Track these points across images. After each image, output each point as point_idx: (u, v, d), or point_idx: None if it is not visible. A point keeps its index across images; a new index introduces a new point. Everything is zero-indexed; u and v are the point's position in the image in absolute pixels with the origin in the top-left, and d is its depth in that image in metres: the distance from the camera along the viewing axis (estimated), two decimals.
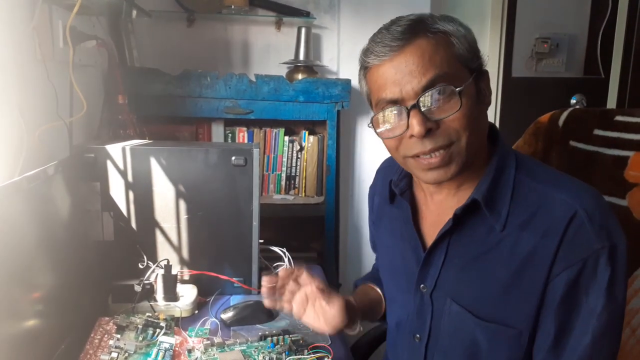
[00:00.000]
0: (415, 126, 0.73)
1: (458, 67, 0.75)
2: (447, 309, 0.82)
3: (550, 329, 0.75)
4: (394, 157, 0.84)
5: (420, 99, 0.73)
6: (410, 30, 0.74)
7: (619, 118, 1.12)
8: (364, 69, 0.81)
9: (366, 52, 0.78)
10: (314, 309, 0.89)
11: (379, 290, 1.07)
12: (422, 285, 0.86)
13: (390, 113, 0.77)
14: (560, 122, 1.21)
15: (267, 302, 0.90)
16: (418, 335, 0.87)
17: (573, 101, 2.44)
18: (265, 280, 0.88)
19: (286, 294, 0.90)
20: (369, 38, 0.79)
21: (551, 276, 0.74)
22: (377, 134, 0.80)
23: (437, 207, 0.86)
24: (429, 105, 0.73)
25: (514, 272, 0.76)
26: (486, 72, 0.81)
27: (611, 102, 2.37)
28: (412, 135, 0.75)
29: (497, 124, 2.41)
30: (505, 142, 0.85)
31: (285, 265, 1.37)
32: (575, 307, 0.73)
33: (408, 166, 0.81)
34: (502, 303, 0.77)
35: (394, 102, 0.76)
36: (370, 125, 0.81)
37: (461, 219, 0.80)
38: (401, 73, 0.74)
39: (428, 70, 0.73)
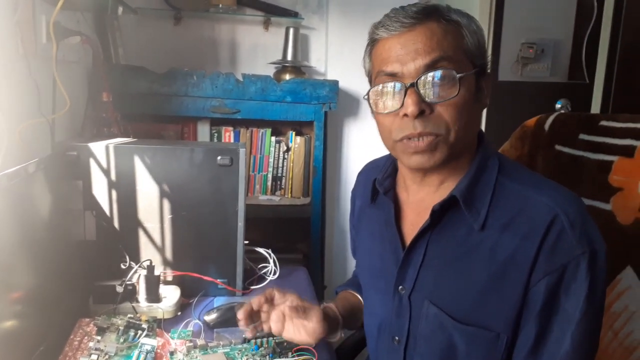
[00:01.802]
0: (410, 105, 0.73)
1: (463, 58, 0.76)
2: (425, 311, 0.81)
3: (530, 334, 0.75)
4: (385, 143, 0.83)
5: (420, 79, 0.74)
6: (424, 12, 0.75)
7: (603, 123, 1.13)
8: (372, 42, 0.81)
9: (377, 25, 0.79)
10: (292, 323, 0.90)
11: (359, 297, 1.07)
12: (400, 287, 0.85)
13: (388, 87, 0.77)
14: (546, 126, 1.21)
15: (248, 334, 0.91)
16: (397, 338, 0.86)
17: (558, 106, 2.46)
18: (240, 314, 0.89)
19: (262, 316, 0.92)
20: (384, 14, 0.79)
21: (532, 281, 0.74)
22: (371, 107, 0.81)
23: (418, 205, 0.86)
24: (427, 87, 0.74)
25: (494, 274, 0.75)
26: (489, 74, 0.81)
27: (595, 107, 2.40)
28: (404, 115, 0.75)
29: (483, 127, 2.43)
30: (491, 145, 0.85)
31: (270, 267, 1.36)
32: (555, 313, 0.74)
33: (396, 151, 0.81)
34: (481, 306, 0.77)
35: (393, 76, 0.76)
36: (366, 97, 0.81)
37: (440, 217, 0.80)
38: (406, 50, 0.75)
39: (433, 50, 0.74)
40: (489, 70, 0.82)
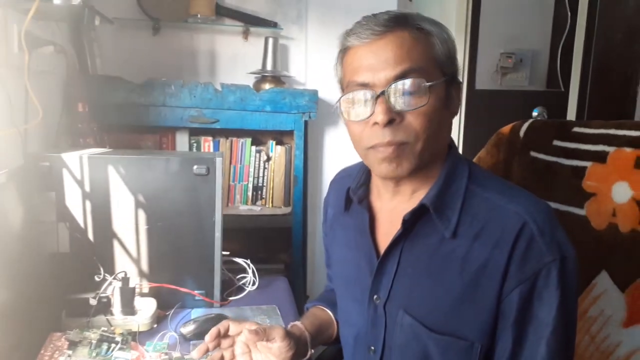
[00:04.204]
0: (379, 114, 0.73)
1: (433, 67, 0.76)
2: (399, 320, 0.81)
3: (506, 344, 0.75)
4: (357, 151, 0.83)
5: (390, 87, 0.74)
6: (395, 21, 0.75)
7: (576, 129, 1.14)
8: (343, 50, 0.81)
9: (348, 33, 0.78)
10: (259, 352, 0.87)
11: (329, 312, 1.05)
12: (375, 296, 0.84)
13: (359, 96, 0.77)
14: (521, 133, 1.23)
15: None
16: (373, 348, 0.86)
17: (535, 114, 2.50)
18: (197, 353, 0.84)
19: (226, 355, 0.86)
20: (355, 22, 0.79)
21: (505, 291, 0.74)
22: (342, 116, 0.81)
23: (390, 214, 0.85)
24: (397, 95, 0.74)
25: (466, 284, 0.75)
26: (459, 82, 0.82)
27: (571, 114, 2.45)
28: (374, 123, 0.75)
29: (461, 135, 2.45)
30: (463, 152, 0.86)
31: (249, 278, 1.35)
32: (529, 321, 0.74)
33: (368, 159, 0.81)
34: (454, 315, 0.77)
35: (365, 86, 0.76)
36: (337, 104, 0.81)
37: (412, 226, 0.80)
38: (377, 59, 0.75)
39: (404, 60, 0.74)
40: (460, 79, 0.82)
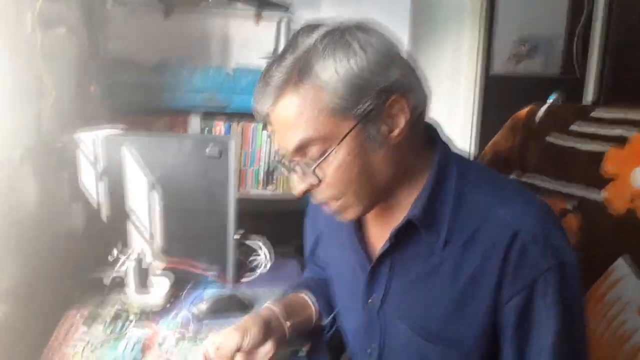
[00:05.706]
0: (295, 186, 0.73)
1: (329, 123, 0.68)
2: (395, 327, 0.79)
3: (508, 356, 0.72)
4: None
5: (293, 162, 0.72)
6: (279, 87, 0.68)
7: (594, 114, 1.12)
8: None
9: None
10: None
11: (302, 295, 1.00)
12: (370, 300, 0.83)
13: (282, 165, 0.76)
14: (538, 117, 1.21)
15: None
16: (369, 351, 0.85)
17: (550, 100, 2.47)
18: None
19: None
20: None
21: (501, 303, 0.71)
22: None
23: (381, 219, 0.82)
24: (303, 167, 0.71)
25: (459, 293, 0.73)
26: (395, 99, 0.69)
27: (587, 101, 2.42)
28: None
29: (477, 120, 2.42)
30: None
31: (261, 259, 1.35)
32: (530, 331, 0.71)
33: None
34: (448, 325, 0.74)
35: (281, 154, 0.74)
36: None
37: (401, 237, 0.76)
38: (277, 129, 0.71)
39: (295, 134, 0.69)
40: (394, 96, 0.69)
